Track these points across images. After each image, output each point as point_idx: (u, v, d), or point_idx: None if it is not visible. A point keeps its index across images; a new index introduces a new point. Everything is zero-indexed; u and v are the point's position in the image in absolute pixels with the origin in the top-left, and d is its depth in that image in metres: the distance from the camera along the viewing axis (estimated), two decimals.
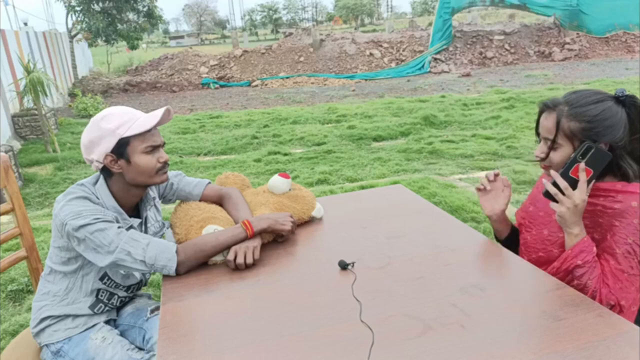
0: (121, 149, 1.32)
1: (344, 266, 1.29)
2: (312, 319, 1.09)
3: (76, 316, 1.41)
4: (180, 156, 5.81)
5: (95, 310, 1.43)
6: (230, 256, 1.34)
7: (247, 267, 1.33)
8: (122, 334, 1.45)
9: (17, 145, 6.66)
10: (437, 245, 1.42)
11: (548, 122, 1.27)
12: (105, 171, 1.37)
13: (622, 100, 1.21)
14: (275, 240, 1.49)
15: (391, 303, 1.13)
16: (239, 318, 1.12)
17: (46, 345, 1.40)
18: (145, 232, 1.49)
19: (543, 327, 1.00)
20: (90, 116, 8.67)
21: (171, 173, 1.60)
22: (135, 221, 1.44)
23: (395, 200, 1.80)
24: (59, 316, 1.41)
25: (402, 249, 1.41)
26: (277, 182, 1.62)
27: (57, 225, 1.31)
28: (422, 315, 1.07)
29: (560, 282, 1.17)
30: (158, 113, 1.35)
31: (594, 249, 1.19)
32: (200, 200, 1.61)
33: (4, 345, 2.11)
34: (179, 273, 1.31)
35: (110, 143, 1.31)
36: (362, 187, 4.05)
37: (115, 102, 10.59)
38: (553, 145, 1.25)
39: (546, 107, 1.29)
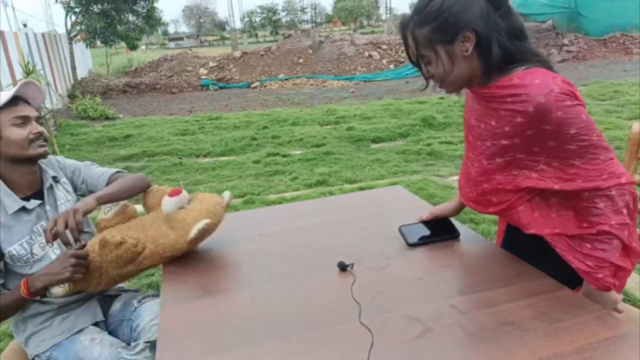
0: None
1: (343, 267, 1.30)
2: (311, 320, 1.09)
3: (44, 316, 1.42)
4: (180, 157, 5.80)
5: (47, 298, 1.41)
6: (48, 234, 1.23)
7: (77, 239, 1.25)
8: (113, 332, 1.48)
9: None
10: (435, 246, 1.42)
11: (409, 44, 1.20)
12: None
13: None
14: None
15: (390, 304, 1.13)
16: (239, 319, 1.12)
17: (37, 355, 1.42)
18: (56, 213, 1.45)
19: (542, 329, 1.00)
20: (90, 118, 8.66)
21: (81, 163, 1.60)
22: (33, 203, 1.42)
23: (394, 202, 1.81)
24: (36, 323, 1.42)
25: (401, 250, 1.41)
26: (164, 202, 1.47)
27: None
28: (422, 316, 1.07)
29: (560, 284, 1.17)
30: (17, 86, 1.39)
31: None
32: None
33: (3, 347, 2.11)
34: None
35: None
36: (361, 189, 4.06)
37: (114, 104, 10.57)
38: (424, 61, 1.20)
39: (400, 30, 1.21)
